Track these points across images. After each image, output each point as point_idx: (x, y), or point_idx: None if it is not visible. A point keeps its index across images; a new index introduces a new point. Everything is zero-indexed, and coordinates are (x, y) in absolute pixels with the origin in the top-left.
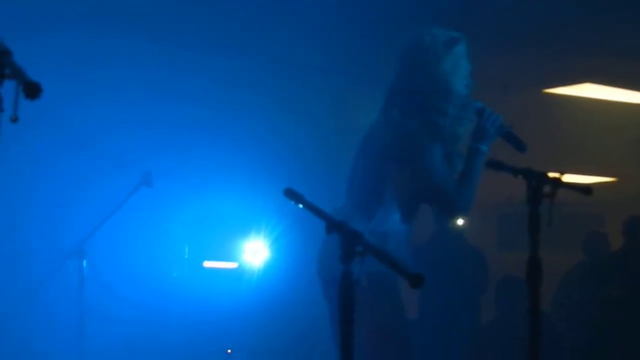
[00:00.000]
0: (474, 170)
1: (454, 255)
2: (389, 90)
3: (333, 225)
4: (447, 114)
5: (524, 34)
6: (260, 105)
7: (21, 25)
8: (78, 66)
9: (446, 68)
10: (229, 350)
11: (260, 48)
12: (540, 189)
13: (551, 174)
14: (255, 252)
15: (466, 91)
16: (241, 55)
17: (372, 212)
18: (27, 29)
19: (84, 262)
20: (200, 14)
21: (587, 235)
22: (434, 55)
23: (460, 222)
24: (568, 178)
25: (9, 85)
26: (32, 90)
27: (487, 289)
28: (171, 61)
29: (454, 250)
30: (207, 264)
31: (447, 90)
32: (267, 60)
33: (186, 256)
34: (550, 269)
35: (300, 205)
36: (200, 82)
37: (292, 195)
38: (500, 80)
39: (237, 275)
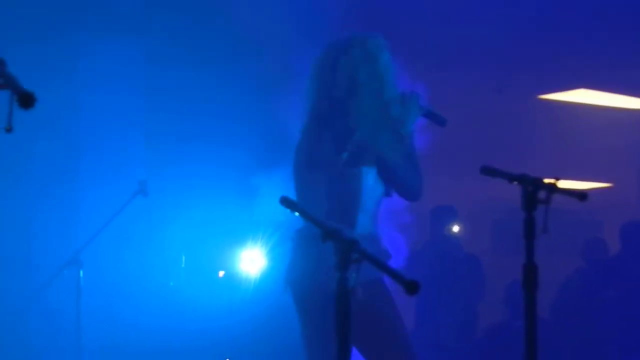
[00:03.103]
0: (414, 152)
1: (449, 261)
2: (323, 102)
3: (328, 233)
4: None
5: (519, 40)
6: (258, 113)
7: (17, 30)
8: (74, 73)
9: (384, 63)
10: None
11: (259, 52)
12: (536, 194)
13: (546, 180)
14: (252, 260)
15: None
16: (239, 63)
17: (354, 219)
18: (22, 34)
19: (81, 271)
20: (201, 21)
21: (585, 241)
22: (372, 55)
23: (455, 228)
24: (563, 184)
25: (3, 95)
26: (27, 100)
27: (484, 294)
28: (167, 69)
29: (449, 256)
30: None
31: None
32: (266, 67)
33: (183, 265)
34: (548, 275)
35: (296, 214)
36: (196, 90)
37: (288, 203)
38: (494, 85)
39: (235, 284)
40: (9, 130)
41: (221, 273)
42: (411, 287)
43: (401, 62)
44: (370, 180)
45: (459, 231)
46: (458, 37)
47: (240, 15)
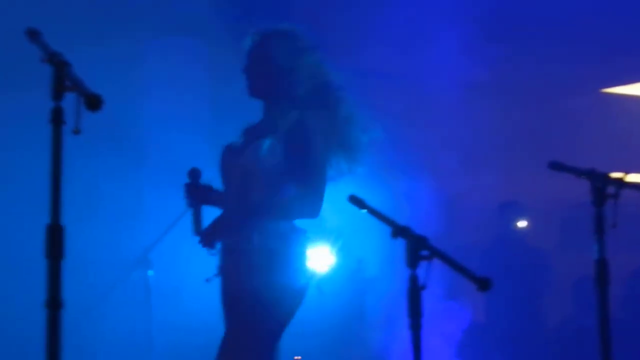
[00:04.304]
0: None
1: (517, 257)
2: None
3: (398, 230)
4: None
5: (581, 34)
6: None
7: (81, 32)
8: (138, 74)
9: None
10: (299, 357)
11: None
12: (604, 189)
13: (614, 175)
14: (319, 258)
15: None
16: None
17: None
18: (87, 36)
19: (150, 272)
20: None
21: None
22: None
23: (523, 224)
24: (632, 178)
25: (70, 98)
26: (94, 102)
27: (552, 290)
28: (231, 68)
29: (516, 251)
30: None
31: None
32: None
33: None
34: (617, 270)
35: (365, 211)
36: None
37: (356, 201)
38: (557, 82)
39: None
40: (76, 132)
41: None
42: (483, 284)
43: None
44: None
45: (527, 227)
46: (520, 32)
47: (308, 16)
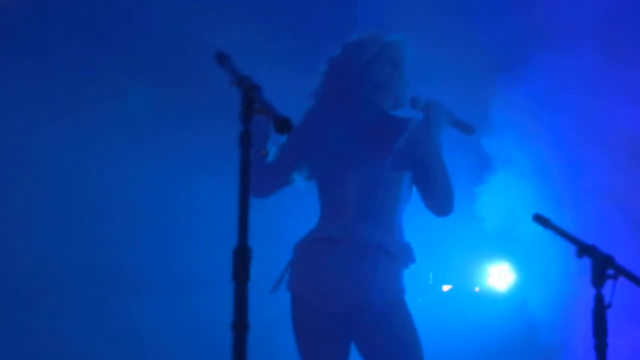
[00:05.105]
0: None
1: None
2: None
3: (584, 249)
4: None
5: None
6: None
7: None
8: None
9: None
10: None
11: None
12: None
13: None
14: (499, 275)
15: None
16: None
17: (392, 225)
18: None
19: None
20: None
21: None
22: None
23: None
24: None
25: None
26: (283, 125)
27: None
28: None
29: None
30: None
31: None
32: None
33: (430, 282)
34: None
35: (549, 229)
36: None
37: (541, 220)
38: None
39: (481, 300)
40: (264, 154)
41: (476, 288)
42: None
43: None
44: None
45: None
46: None
47: None
